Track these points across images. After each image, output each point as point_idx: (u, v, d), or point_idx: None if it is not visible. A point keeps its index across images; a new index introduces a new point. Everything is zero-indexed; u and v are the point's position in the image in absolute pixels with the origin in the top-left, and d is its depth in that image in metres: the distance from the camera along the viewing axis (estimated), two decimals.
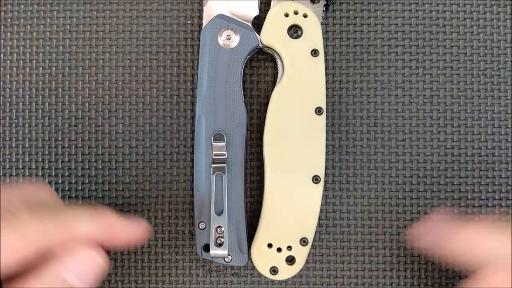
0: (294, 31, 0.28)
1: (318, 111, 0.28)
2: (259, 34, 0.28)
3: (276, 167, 0.28)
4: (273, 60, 0.30)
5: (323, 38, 0.29)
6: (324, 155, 0.28)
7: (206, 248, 0.27)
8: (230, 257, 0.27)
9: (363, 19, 0.30)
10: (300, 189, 0.27)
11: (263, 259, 0.27)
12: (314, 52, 0.28)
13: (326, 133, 0.28)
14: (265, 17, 0.28)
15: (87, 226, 0.21)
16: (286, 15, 0.28)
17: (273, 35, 0.28)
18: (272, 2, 0.29)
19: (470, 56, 0.30)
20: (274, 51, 0.29)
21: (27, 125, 0.30)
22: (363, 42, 0.30)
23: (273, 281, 0.29)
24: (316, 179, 0.28)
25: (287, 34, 0.28)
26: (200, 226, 0.28)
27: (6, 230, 0.20)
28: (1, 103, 0.30)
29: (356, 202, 0.29)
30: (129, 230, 0.23)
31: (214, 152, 0.28)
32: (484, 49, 0.30)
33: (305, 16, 0.28)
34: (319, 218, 0.29)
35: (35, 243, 0.20)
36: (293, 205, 0.27)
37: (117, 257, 0.29)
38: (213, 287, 0.29)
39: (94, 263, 0.22)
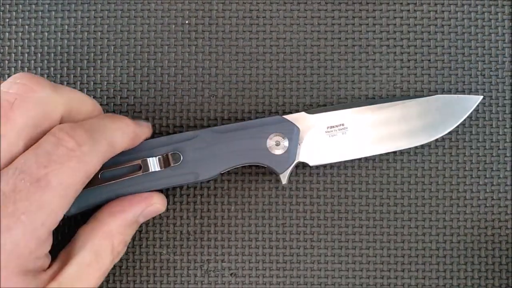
0: None
1: None
2: None
3: None
4: None
5: (322, 38, 0.29)
6: None
7: None
8: None
9: (361, 19, 0.30)
10: None
11: None
12: None
13: None
14: None
15: (123, 141, 0.25)
16: None
17: None
18: None
19: (468, 56, 0.30)
20: None
21: None
22: (361, 42, 0.30)
23: (271, 282, 0.29)
24: None
25: None
26: None
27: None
28: None
29: (354, 202, 0.29)
30: (143, 134, 0.26)
31: None
32: (482, 49, 0.30)
33: None
34: (318, 219, 0.29)
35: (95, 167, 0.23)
36: None
37: None
38: (211, 287, 0.29)
39: (159, 209, 0.26)
